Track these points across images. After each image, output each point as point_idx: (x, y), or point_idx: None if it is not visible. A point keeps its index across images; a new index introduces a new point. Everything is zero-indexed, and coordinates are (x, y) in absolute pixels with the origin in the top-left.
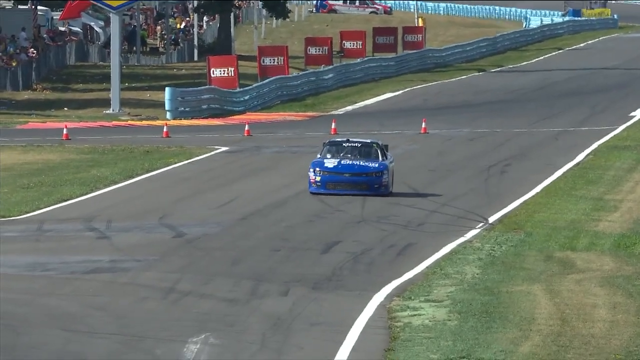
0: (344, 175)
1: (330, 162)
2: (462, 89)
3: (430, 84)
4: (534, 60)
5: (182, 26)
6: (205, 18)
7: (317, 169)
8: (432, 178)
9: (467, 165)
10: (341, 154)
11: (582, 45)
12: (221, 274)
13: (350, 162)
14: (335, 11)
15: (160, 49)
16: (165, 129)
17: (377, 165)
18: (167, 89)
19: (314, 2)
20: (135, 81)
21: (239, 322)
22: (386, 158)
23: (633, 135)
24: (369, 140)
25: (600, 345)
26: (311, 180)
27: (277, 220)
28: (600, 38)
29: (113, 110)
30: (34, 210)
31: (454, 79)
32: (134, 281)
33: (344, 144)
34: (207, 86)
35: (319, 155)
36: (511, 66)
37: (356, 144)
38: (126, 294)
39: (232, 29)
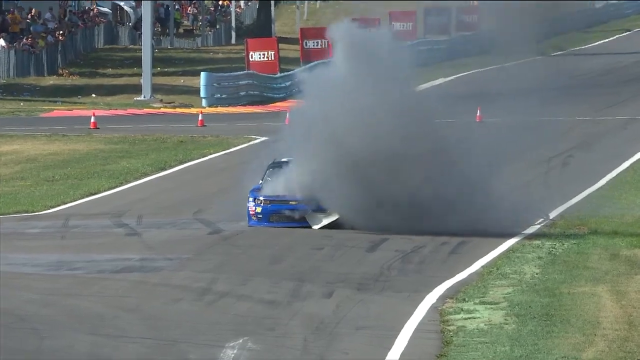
0: (290, 204)
1: (272, 189)
2: (520, 73)
3: (485, 68)
4: (599, 42)
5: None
6: None
7: (258, 197)
8: (488, 170)
9: (525, 156)
10: (286, 178)
11: None
12: (260, 273)
13: None
14: None
15: (195, 31)
16: (200, 117)
17: None
18: (202, 74)
19: None
20: (169, 66)
21: (279, 325)
22: None
23: None
24: None
25: None
26: (250, 212)
27: None
28: None
29: (144, 97)
30: (59, 205)
31: (511, 63)
32: (166, 281)
33: (289, 166)
34: (245, 71)
35: (260, 181)
36: (574, 49)
37: None
38: (158, 294)
39: (272, 10)
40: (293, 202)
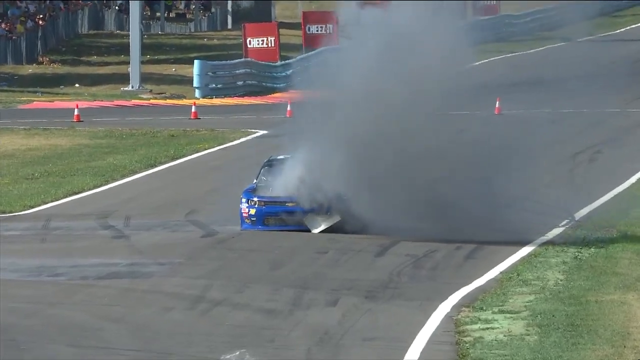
0: (287, 206)
1: (267, 189)
2: (543, 61)
3: (505, 55)
4: (630, 27)
5: None
6: None
7: (252, 199)
8: (506, 167)
9: (548, 152)
10: (283, 177)
11: None
12: (258, 280)
13: None
14: None
15: (188, 15)
16: (193, 109)
17: None
18: (195, 62)
19: None
20: (159, 53)
21: (279, 336)
22: None
23: None
24: None
25: None
26: (243, 215)
27: None
28: None
29: (132, 87)
30: (39, 205)
31: (533, 50)
32: (156, 288)
33: (287, 163)
34: (242, 59)
35: (255, 180)
36: (602, 34)
37: None
38: (147, 303)
39: None
40: (290, 204)
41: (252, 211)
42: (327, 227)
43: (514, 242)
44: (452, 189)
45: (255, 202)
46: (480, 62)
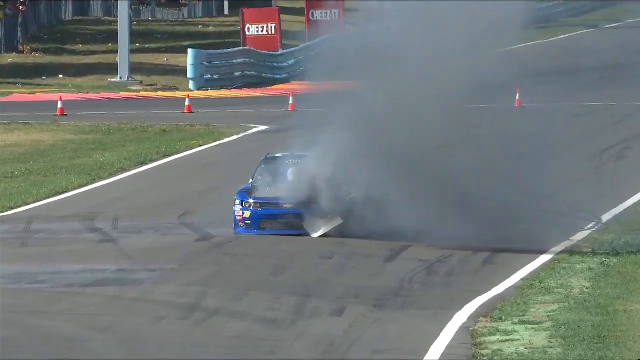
0: (284, 207)
1: (264, 190)
2: (567, 50)
3: (526, 44)
4: None
5: None
6: None
7: (247, 200)
8: (527, 165)
9: (573, 148)
10: (281, 177)
11: None
12: (258, 287)
13: None
14: None
15: (181, 0)
16: (187, 103)
17: None
18: (189, 51)
19: None
20: (150, 41)
21: (281, 348)
22: None
23: None
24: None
25: None
26: (237, 217)
27: None
28: None
29: (121, 79)
30: (20, 206)
31: (557, 38)
32: (146, 296)
33: (286, 162)
34: (240, 47)
35: (250, 180)
36: (631, 21)
37: None
38: (137, 312)
39: None
40: (289, 206)
41: (247, 214)
42: (327, 230)
43: (536, 247)
44: (469, 189)
45: (251, 203)
46: (500, 51)
